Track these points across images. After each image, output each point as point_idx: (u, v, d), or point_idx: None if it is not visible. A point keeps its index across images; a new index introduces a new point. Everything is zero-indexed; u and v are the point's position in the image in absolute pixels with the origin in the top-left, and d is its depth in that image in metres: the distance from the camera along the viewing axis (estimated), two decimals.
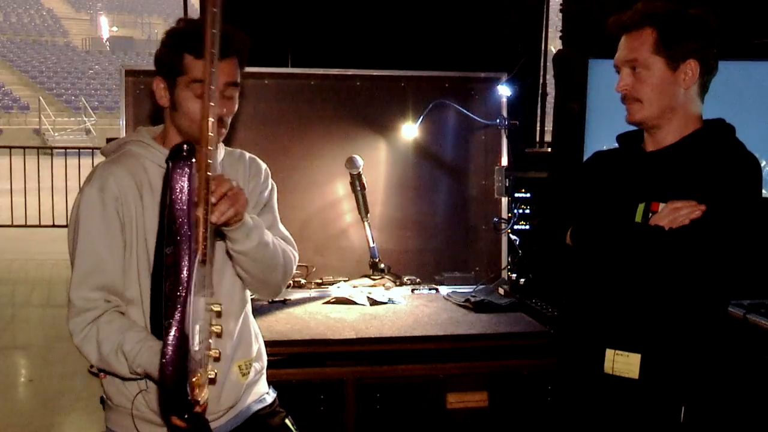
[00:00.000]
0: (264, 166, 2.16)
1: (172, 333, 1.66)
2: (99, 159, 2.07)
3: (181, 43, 1.88)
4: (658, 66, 1.86)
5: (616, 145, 2.08)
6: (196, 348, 1.71)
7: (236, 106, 1.96)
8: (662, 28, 1.85)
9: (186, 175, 1.72)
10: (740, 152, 1.89)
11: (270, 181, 2.17)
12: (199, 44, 1.76)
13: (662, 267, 1.81)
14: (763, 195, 2.71)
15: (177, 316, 1.67)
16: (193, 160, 1.72)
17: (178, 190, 1.72)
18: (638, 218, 1.88)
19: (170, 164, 1.72)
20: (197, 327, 1.72)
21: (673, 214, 1.80)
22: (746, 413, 2.57)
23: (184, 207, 1.71)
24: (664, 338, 1.86)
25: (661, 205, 1.84)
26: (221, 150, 2.09)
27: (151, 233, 1.91)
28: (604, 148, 2.17)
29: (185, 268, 1.72)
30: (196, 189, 1.72)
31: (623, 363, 1.87)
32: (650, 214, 1.85)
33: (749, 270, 1.93)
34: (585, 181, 2.05)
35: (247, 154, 2.16)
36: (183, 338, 1.67)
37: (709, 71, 1.90)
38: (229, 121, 1.96)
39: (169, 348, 1.65)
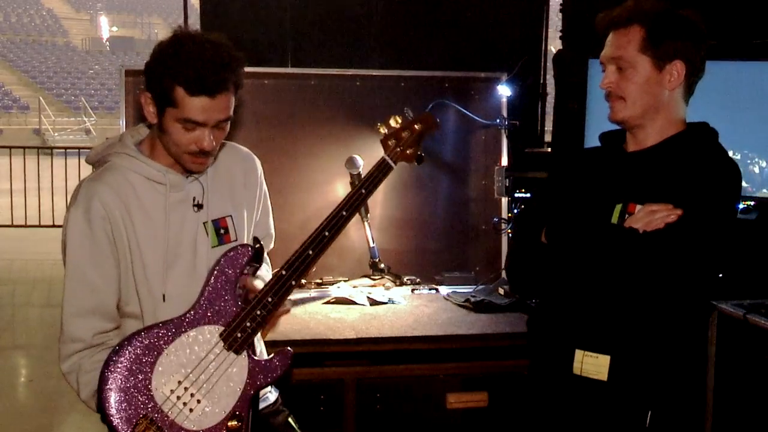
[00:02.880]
0: (258, 162, 2.15)
1: (121, 350, 1.81)
2: None
3: (174, 72, 1.79)
4: (644, 65, 1.84)
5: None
6: (166, 395, 1.81)
7: (226, 133, 1.94)
8: (650, 27, 1.83)
9: (238, 266, 1.89)
10: (721, 158, 1.87)
11: (264, 181, 2.17)
12: (195, 79, 1.78)
13: (635, 270, 1.78)
14: (764, 195, 2.72)
15: (135, 342, 1.82)
16: (252, 260, 1.91)
17: (223, 272, 1.88)
18: (614, 219, 1.86)
19: (237, 248, 1.91)
20: (173, 378, 1.82)
21: (649, 216, 1.78)
22: (749, 416, 2.57)
23: (218, 285, 1.88)
24: (634, 341, 1.84)
25: (638, 207, 1.82)
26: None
27: (147, 248, 1.90)
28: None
29: (186, 323, 1.86)
30: (241, 278, 1.90)
31: (592, 364, 1.85)
32: (627, 216, 1.83)
33: (721, 275, 1.90)
34: (564, 179, 2.04)
35: (241, 148, 2.14)
36: (137, 365, 1.81)
37: (695, 73, 1.88)
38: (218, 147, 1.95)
39: (111, 359, 1.82)
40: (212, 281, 1.88)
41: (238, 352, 1.86)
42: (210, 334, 1.85)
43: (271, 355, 1.93)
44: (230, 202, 2.04)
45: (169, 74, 1.79)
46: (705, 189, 1.80)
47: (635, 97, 1.86)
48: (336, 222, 1.98)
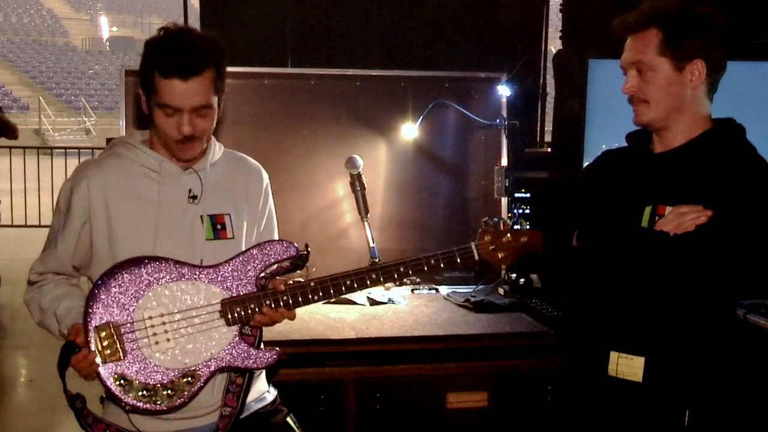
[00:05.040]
0: (265, 177, 2.19)
1: (133, 263, 1.88)
2: None
3: (152, 58, 1.89)
4: (664, 67, 1.83)
5: (617, 144, 2.07)
6: (143, 318, 1.86)
7: (212, 123, 1.98)
8: (667, 29, 1.83)
9: (274, 256, 1.94)
10: (749, 156, 1.86)
11: (270, 195, 2.20)
12: (167, 61, 1.86)
13: (666, 272, 1.79)
14: None
15: (150, 263, 1.89)
16: (292, 260, 1.95)
17: (258, 253, 1.94)
18: (644, 222, 1.85)
19: (284, 243, 1.95)
20: (157, 309, 1.87)
21: (679, 219, 1.77)
22: (751, 416, 2.57)
23: (247, 260, 1.93)
24: (668, 341, 1.84)
25: (668, 209, 1.81)
26: (218, 151, 2.10)
27: (133, 228, 1.96)
28: (604, 146, 2.16)
29: (201, 274, 1.92)
30: (270, 269, 1.95)
31: (627, 366, 1.86)
32: (657, 218, 1.83)
33: (755, 275, 1.89)
34: (593, 181, 2.03)
35: (251, 161, 2.19)
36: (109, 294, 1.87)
37: (717, 70, 1.87)
38: (205, 137, 1.99)
39: (122, 265, 1.89)
40: (244, 256, 1.94)
41: (228, 324, 1.90)
42: (214, 296, 1.91)
43: (261, 348, 1.96)
44: (230, 204, 2.07)
45: (149, 62, 1.90)
46: (734, 189, 1.79)
47: (658, 100, 1.85)
48: (388, 272, 2.01)
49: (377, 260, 3.13)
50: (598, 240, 1.89)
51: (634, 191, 1.91)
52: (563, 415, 2.07)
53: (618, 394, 1.88)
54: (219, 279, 1.92)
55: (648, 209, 1.86)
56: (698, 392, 1.85)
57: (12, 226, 9.57)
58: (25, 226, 9.61)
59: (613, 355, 1.88)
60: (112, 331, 1.85)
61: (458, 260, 2.03)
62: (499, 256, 2.06)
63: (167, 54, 1.86)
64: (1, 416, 4.31)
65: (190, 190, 2.00)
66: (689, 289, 1.80)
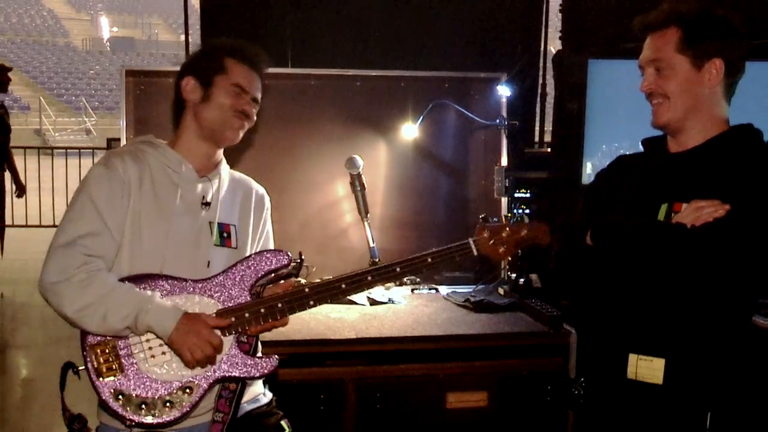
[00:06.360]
0: (267, 200, 2.23)
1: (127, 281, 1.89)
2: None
3: (223, 44, 2.07)
4: (683, 65, 1.83)
5: (616, 144, 2.06)
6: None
7: (251, 125, 2.12)
8: (687, 27, 1.83)
9: (267, 268, 1.95)
10: (766, 156, 1.85)
11: (269, 218, 2.24)
12: (241, 49, 2.03)
13: (685, 266, 1.76)
14: None
15: (143, 279, 1.90)
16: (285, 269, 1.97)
17: (251, 264, 1.96)
18: (660, 219, 1.83)
19: (277, 253, 1.98)
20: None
21: (696, 212, 1.75)
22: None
23: (238, 272, 1.95)
24: (688, 343, 1.81)
25: (684, 206, 1.80)
26: (226, 167, 2.16)
27: (147, 227, 1.96)
28: (604, 147, 2.16)
29: (194, 287, 1.93)
30: (264, 278, 1.96)
31: (647, 368, 1.82)
32: (672, 215, 1.81)
33: None
34: (607, 184, 2.01)
35: (255, 183, 2.23)
36: None
37: (735, 72, 1.87)
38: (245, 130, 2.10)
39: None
40: (237, 267, 1.96)
41: (224, 335, 1.91)
42: (208, 307, 1.92)
43: (259, 356, 1.96)
44: (235, 217, 2.12)
45: (218, 46, 2.08)
46: (751, 186, 1.77)
47: (676, 96, 1.84)
48: (384, 273, 2.01)
49: (377, 260, 3.13)
50: (613, 235, 1.85)
51: (649, 190, 1.89)
52: (583, 419, 2.03)
53: (638, 398, 1.85)
54: (213, 290, 1.93)
55: (664, 207, 1.84)
56: (720, 394, 1.82)
57: (13, 226, 9.56)
58: (26, 226, 9.62)
59: (632, 358, 1.84)
60: (109, 347, 1.86)
61: (456, 258, 2.02)
62: (500, 250, 2.05)
63: (240, 44, 2.06)
64: (1, 416, 4.31)
65: (203, 197, 2.05)
66: (708, 286, 1.77)
